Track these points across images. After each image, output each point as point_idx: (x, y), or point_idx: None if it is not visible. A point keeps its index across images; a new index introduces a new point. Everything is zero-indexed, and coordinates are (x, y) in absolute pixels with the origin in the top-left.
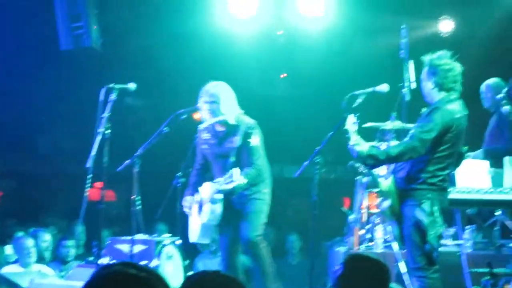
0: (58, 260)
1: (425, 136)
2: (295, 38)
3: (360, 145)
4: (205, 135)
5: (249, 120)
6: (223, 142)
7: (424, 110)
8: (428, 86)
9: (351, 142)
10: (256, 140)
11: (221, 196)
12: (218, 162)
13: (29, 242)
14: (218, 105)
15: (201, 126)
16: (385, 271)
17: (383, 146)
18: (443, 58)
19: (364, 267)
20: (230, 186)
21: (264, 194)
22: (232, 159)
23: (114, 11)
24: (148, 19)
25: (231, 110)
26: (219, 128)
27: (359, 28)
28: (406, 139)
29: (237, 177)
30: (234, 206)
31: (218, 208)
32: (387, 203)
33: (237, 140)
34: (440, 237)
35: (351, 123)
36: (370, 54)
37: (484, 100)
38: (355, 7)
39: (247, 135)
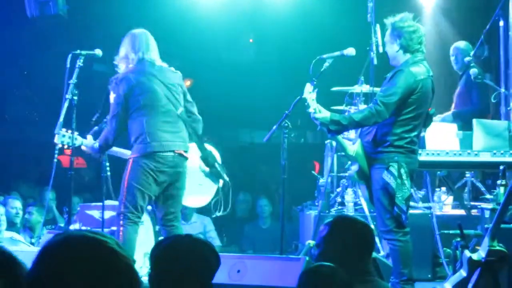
0: (26, 226)
1: (388, 100)
2: (261, 3)
3: (320, 112)
4: None
5: (120, 73)
6: None
7: (388, 74)
8: (394, 48)
9: (310, 110)
10: (111, 97)
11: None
12: None
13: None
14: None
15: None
16: (371, 234)
17: (352, 110)
18: (406, 20)
19: (351, 228)
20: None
21: (134, 163)
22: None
23: None
24: None
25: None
26: None
27: None
28: (371, 104)
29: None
30: None
31: None
32: (355, 168)
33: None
34: (408, 199)
35: (308, 91)
36: (337, 18)
37: (453, 62)
38: None
39: (109, 92)
